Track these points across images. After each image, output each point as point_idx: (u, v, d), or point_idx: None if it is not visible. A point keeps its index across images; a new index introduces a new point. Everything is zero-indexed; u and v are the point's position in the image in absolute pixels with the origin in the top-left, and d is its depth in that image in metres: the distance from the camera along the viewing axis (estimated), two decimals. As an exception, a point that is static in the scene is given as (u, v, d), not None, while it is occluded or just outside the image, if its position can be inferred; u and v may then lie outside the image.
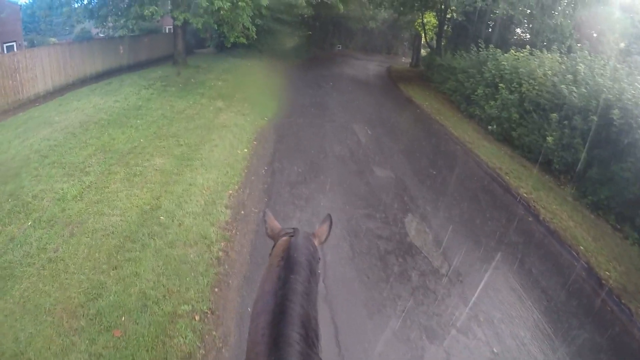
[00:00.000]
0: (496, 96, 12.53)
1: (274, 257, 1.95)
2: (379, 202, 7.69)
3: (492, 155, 10.84)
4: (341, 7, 25.40)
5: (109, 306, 4.29)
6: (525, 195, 8.61)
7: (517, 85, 11.75)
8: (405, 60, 33.27)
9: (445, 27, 23.82)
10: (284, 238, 2.05)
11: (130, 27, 15.05)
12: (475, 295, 5.40)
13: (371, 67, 28.03)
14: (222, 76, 17.11)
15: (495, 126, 12.26)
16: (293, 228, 2.09)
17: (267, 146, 10.25)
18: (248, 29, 16.96)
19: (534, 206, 8.20)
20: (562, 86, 9.81)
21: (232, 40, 17.36)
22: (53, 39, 20.66)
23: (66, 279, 4.62)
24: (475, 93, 13.93)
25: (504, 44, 15.79)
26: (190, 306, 4.45)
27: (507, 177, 9.44)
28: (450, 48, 20.31)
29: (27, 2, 20.96)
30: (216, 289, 4.81)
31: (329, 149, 10.43)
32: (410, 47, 32.96)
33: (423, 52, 28.81)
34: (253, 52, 22.96)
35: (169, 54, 20.44)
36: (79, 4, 16.07)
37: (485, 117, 12.96)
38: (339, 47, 37.00)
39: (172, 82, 14.94)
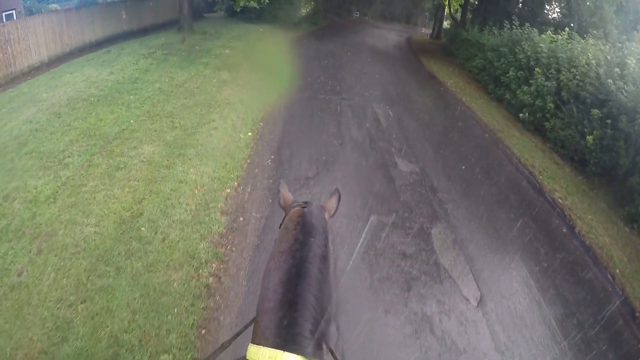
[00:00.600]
0: (530, 81, 11.30)
1: (289, 222, 1.84)
2: (403, 207, 6.79)
3: (523, 148, 9.82)
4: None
5: (75, 354, 3.54)
6: (560, 201, 7.78)
7: (554, 72, 10.57)
8: (425, 31, 31.79)
9: (472, -1, 22.22)
10: (297, 208, 1.93)
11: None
12: (508, 334, 4.71)
13: (390, 36, 26.58)
14: (230, 43, 16.01)
15: (527, 114, 11.12)
16: (305, 201, 2.01)
17: (275, 128, 9.31)
18: (259, -9, 15.75)
19: (569, 215, 7.39)
20: (609, 80, 8.67)
21: (241, 4, 16.19)
22: (55, 6, 19.44)
23: (29, 313, 3.85)
24: (507, 75, 12.67)
25: (533, 23, 14.37)
26: (171, 356, 3.66)
27: (541, 177, 8.55)
28: (476, 22, 18.78)
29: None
30: (203, 331, 3.99)
31: (347, 133, 9.49)
32: (431, 18, 31.32)
33: (445, 24, 27.18)
34: (265, 17, 21.82)
35: (177, 18, 19.16)
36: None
37: (516, 102, 11.78)
38: (356, 14, 35.68)
39: (174, 50, 13.91)
